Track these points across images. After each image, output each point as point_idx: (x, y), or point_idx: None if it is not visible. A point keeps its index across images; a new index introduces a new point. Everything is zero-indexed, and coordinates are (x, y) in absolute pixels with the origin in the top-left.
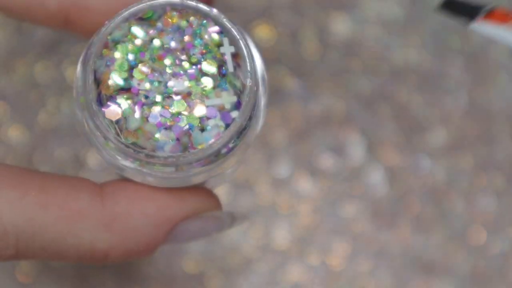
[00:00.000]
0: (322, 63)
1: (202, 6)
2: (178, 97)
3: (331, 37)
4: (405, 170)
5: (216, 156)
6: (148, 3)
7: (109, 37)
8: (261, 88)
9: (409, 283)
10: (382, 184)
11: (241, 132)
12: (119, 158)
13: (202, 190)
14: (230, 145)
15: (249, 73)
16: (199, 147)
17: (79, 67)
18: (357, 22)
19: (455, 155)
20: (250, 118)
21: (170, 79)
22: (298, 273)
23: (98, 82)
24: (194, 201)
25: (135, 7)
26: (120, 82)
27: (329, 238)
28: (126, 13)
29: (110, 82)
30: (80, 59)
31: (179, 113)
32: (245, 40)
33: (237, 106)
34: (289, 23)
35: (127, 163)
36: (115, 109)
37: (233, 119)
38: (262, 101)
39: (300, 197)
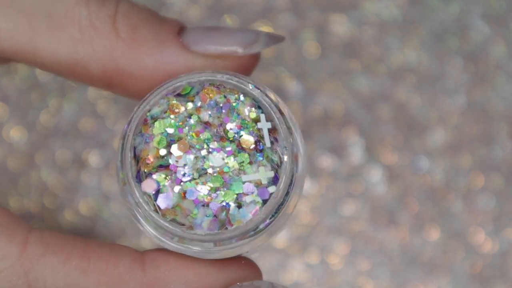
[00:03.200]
0: (321, 64)
1: (239, 82)
2: (215, 173)
3: (330, 38)
4: (403, 170)
5: (254, 231)
6: (186, 79)
7: (148, 114)
8: (300, 162)
9: (408, 282)
10: (381, 183)
11: (279, 207)
12: (158, 234)
13: (241, 259)
14: (268, 220)
15: (285, 149)
16: (236, 223)
17: (119, 142)
18: (356, 23)
19: (454, 155)
20: (287, 193)
21: (207, 155)
22: (297, 272)
23: (138, 159)
24: (234, 270)
25: (173, 84)
26: (158, 160)
27: (329, 237)
28: (164, 91)
29: (149, 159)
30: (120, 135)
31: (216, 189)
32: (282, 114)
33: (274, 181)
34: (288, 24)
35: (166, 239)
36: (151, 183)
37: (270, 195)
38: (301, 174)
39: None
